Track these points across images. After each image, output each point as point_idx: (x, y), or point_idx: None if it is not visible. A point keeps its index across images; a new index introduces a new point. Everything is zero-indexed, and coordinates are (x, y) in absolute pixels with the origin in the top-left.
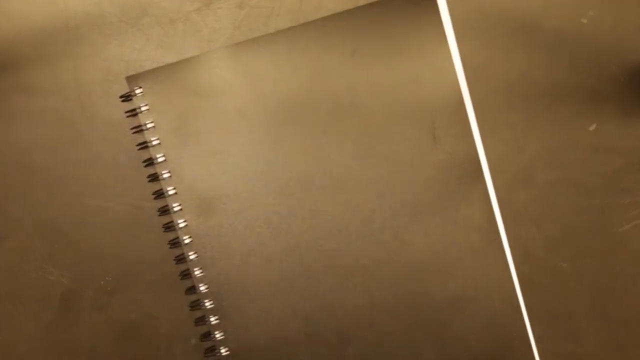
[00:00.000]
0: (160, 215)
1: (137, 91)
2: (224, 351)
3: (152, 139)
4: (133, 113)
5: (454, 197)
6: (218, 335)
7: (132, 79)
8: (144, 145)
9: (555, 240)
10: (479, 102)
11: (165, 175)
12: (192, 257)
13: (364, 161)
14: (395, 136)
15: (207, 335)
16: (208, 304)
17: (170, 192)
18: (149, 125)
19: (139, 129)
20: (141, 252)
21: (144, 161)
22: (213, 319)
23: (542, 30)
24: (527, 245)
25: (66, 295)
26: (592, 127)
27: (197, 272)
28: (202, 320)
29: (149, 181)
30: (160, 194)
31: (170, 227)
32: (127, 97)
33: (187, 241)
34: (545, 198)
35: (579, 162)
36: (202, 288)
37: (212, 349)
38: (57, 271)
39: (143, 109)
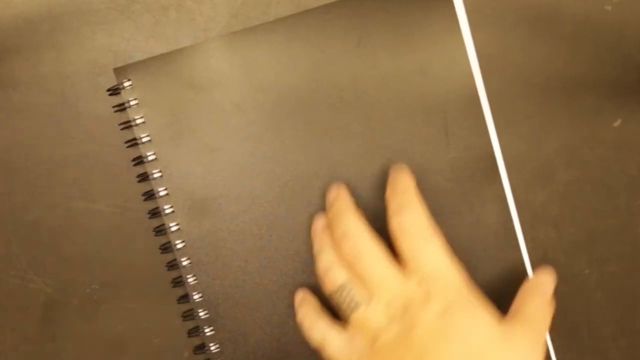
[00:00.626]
0: (150, 218)
1: (126, 84)
2: None
3: (142, 135)
4: (121, 108)
5: (468, 197)
6: (213, 347)
7: (120, 71)
8: (133, 143)
9: (577, 244)
10: (494, 95)
11: (156, 175)
12: (185, 263)
13: (369, 159)
14: (403, 132)
15: (201, 347)
16: (202, 313)
17: (162, 193)
18: (138, 121)
19: (127, 125)
20: (130, 258)
21: (133, 159)
22: (207, 330)
23: (563, 17)
24: (546, 249)
25: (49, 305)
26: (617, 123)
27: (190, 279)
28: (195, 331)
29: (139, 181)
30: (150, 195)
31: (161, 230)
32: (114, 91)
33: (179, 246)
34: (565, 199)
35: (602, 160)
36: (196, 297)
37: None
38: (39, 279)
39: (132, 103)
